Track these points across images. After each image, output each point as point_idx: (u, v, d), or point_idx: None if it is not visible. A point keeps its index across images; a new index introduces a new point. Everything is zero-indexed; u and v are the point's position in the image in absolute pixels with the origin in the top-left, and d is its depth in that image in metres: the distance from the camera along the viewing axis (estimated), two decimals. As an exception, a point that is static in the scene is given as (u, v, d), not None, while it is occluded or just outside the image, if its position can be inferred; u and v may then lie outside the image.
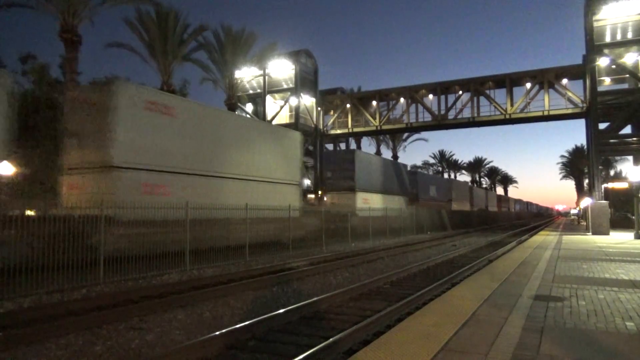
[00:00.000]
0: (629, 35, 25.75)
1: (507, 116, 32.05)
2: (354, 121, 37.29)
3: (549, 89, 31.32)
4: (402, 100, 35.40)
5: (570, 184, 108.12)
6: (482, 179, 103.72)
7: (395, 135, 49.61)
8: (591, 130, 26.52)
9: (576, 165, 73.42)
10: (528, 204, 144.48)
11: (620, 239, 20.15)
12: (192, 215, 12.77)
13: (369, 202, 28.79)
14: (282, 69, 35.81)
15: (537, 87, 31.84)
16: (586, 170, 45.96)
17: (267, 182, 19.56)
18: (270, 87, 36.65)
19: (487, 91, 33.10)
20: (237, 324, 6.45)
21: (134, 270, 10.89)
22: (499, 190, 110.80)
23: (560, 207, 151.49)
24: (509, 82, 32.26)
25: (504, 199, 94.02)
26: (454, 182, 56.89)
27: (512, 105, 32.11)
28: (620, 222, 31.11)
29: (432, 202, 42.84)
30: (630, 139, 27.35)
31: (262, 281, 10.51)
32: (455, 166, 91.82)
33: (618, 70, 27.03)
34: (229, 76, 32.59)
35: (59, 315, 7.34)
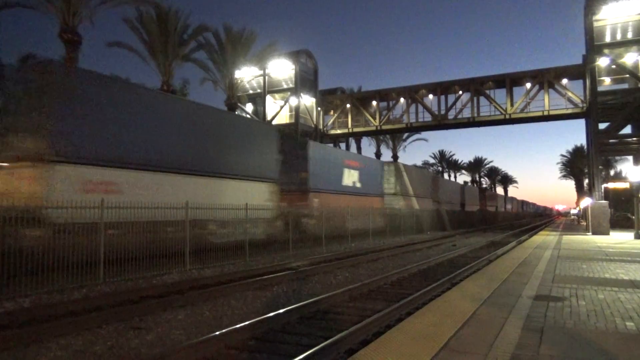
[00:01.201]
0: (629, 35, 25.76)
1: (507, 116, 32.06)
2: (354, 121, 37.30)
3: (549, 89, 31.34)
4: (402, 100, 35.41)
5: (570, 184, 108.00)
6: (482, 179, 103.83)
7: (395, 135, 49.59)
8: (591, 130, 26.52)
9: (576, 165, 73.46)
10: (523, 202, 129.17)
11: (620, 239, 20.15)
12: None
13: (112, 188, 12.69)
14: (282, 69, 35.82)
15: (537, 87, 31.85)
16: (586, 170, 45.99)
17: None
18: (270, 87, 36.67)
19: (487, 91, 33.11)
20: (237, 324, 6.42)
21: (134, 270, 10.89)
22: (499, 190, 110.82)
23: (560, 207, 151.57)
24: (509, 82, 32.27)
25: (491, 197, 77.05)
26: (398, 167, 35.09)
27: (512, 105, 32.12)
28: (620, 222, 31.14)
29: (346, 197, 26.23)
30: (630, 139, 27.37)
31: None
32: (455, 166, 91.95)
33: (618, 70, 27.02)
34: (229, 76, 32.60)
35: (59, 315, 7.34)
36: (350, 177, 27.49)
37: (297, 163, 23.13)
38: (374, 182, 31.04)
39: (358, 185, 28.25)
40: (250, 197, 16.89)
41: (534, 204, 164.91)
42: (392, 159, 50.76)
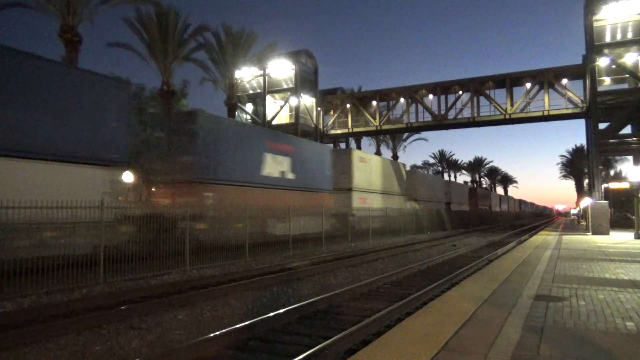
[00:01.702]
0: (629, 35, 25.77)
1: (507, 116, 32.06)
2: (354, 121, 37.30)
3: (549, 89, 31.34)
4: (402, 100, 35.41)
5: (570, 184, 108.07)
6: (482, 179, 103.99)
7: (395, 135, 49.68)
8: (591, 130, 26.53)
9: (576, 165, 73.62)
10: (521, 202, 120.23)
11: (620, 239, 20.15)
12: None
13: None
14: (282, 69, 35.83)
15: (537, 87, 31.85)
16: (586, 170, 46.01)
17: None
18: (270, 87, 36.68)
19: (487, 91, 33.10)
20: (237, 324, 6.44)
21: (134, 270, 10.89)
22: (500, 190, 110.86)
23: (560, 207, 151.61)
24: (509, 82, 32.27)
25: (483, 195, 67.88)
26: (354, 156, 27.84)
27: (512, 105, 32.12)
28: (620, 222, 31.15)
29: (270, 192, 19.51)
30: (630, 139, 27.36)
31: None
32: (456, 166, 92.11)
33: (618, 70, 27.03)
34: (229, 76, 32.67)
35: (59, 315, 7.34)
36: (277, 166, 20.24)
37: (182, 143, 16.12)
38: (319, 174, 23.89)
39: (290, 176, 21.06)
40: (74, 189, 11.38)
41: (532, 204, 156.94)
42: (392, 159, 50.74)
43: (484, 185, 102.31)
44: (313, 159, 23.62)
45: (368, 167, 29.41)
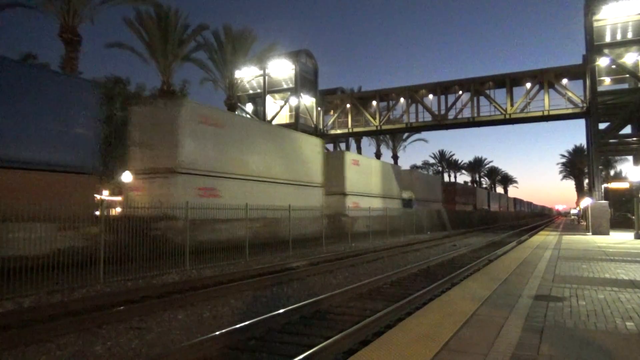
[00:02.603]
0: (629, 35, 25.77)
1: (507, 116, 32.06)
2: (354, 121, 37.29)
3: (549, 89, 31.33)
4: (402, 100, 35.40)
5: (570, 184, 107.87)
6: (482, 179, 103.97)
7: (395, 135, 49.65)
8: (591, 130, 26.53)
9: (576, 165, 73.66)
10: (516, 201, 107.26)
11: (620, 239, 20.14)
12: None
13: None
14: (282, 69, 35.83)
15: (537, 87, 31.85)
16: (586, 170, 46.01)
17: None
18: (270, 87, 36.68)
19: (487, 91, 33.10)
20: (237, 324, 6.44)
21: (134, 270, 10.89)
22: (500, 190, 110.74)
23: (560, 207, 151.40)
24: (509, 82, 32.27)
25: (465, 191, 57.45)
26: (157, 108, 15.94)
27: (512, 105, 32.11)
28: (620, 222, 31.12)
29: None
30: (630, 139, 27.36)
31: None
32: (456, 166, 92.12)
33: (618, 70, 27.03)
34: (229, 76, 32.65)
35: (59, 315, 7.33)
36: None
37: None
38: (55, 136, 11.90)
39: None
40: None
41: (530, 203, 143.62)
42: (392, 159, 50.65)
43: (484, 185, 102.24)
44: (29, 99, 11.36)
45: (231, 134, 17.51)
